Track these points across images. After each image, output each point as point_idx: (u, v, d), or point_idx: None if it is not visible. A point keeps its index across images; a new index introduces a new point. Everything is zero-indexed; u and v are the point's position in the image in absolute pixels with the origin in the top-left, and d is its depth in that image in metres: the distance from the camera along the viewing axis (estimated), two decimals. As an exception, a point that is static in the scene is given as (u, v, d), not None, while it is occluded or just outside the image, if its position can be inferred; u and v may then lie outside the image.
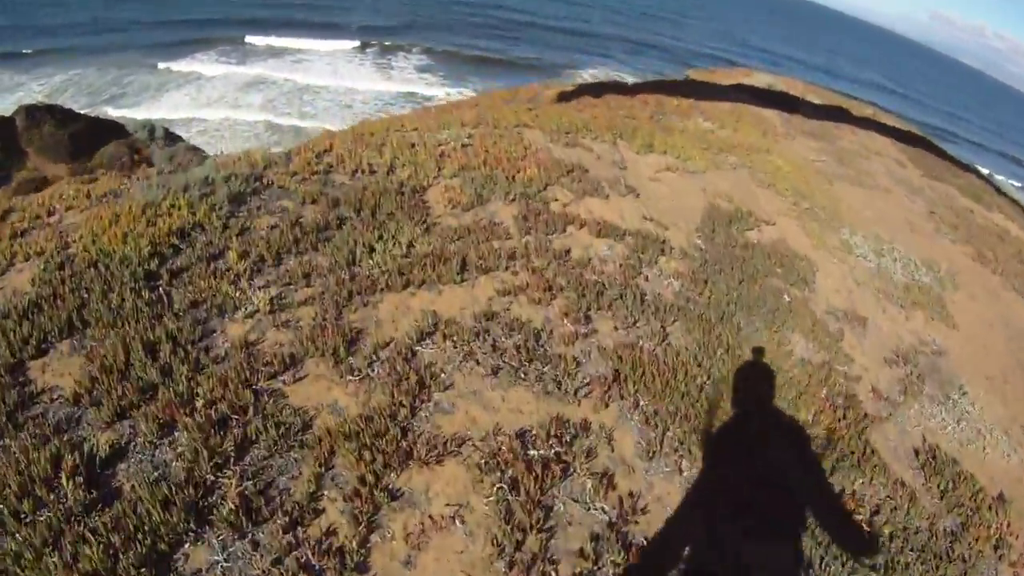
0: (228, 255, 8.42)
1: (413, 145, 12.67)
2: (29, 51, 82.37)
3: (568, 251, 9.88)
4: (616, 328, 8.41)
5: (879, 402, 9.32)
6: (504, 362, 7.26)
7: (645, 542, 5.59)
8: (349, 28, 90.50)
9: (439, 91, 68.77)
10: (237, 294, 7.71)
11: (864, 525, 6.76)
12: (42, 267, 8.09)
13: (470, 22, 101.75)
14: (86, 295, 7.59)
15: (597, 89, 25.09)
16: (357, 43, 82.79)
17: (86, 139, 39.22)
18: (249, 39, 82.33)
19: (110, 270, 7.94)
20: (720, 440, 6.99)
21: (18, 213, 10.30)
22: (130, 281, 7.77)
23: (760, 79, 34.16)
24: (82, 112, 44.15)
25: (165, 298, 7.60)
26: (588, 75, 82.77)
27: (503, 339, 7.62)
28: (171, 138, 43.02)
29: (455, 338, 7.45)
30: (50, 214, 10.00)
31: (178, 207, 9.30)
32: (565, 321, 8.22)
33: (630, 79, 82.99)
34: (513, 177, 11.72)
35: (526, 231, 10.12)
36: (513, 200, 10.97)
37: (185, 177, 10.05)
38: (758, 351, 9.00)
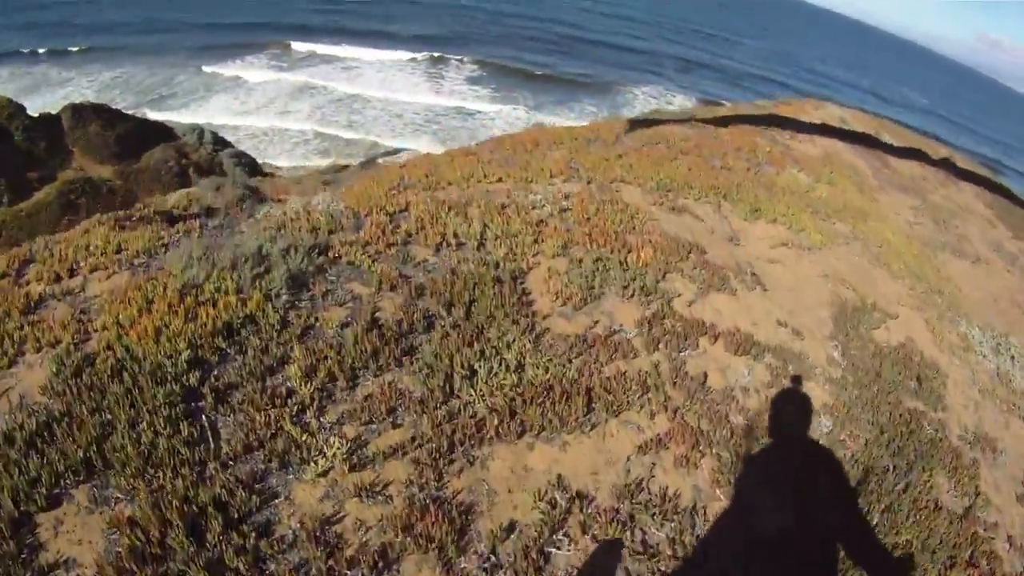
0: (289, 369, 6.49)
1: (503, 207, 10.71)
2: (79, 48, 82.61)
3: (705, 378, 7.87)
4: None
5: (1015, 555, 7.35)
6: (659, 571, 5.26)
7: None
8: (399, 37, 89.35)
9: (490, 107, 67.12)
10: (304, 437, 5.76)
11: None
12: (55, 368, 6.23)
13: (520, 35, 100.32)
14: (109, 418, 5.70)
15: (677, 122, 23.25)
16: (407, 53, 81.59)
17: (133, 141, 37.85)
18: (296, 45, 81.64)
19: (139, 384, 6.04)
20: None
21: (36, 267, 8.46)
22: (164, 404, 5.87)
23: (831, 113, 32.03)
24: (129, 113, 42.96)
25: (210, 434, 5.69)
26: (640, 93, 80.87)
27: (654, 530, 5.61)
28: (219, 143, 41.60)
29: (595, 529, 5.44)
30: (72, 274, 8.16)
31: (224, 291, 7.42)
32: (718, 492, 6.22)
33: (681, 99, 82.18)
34: (625, 260, 9.72)
35: (653, 345, 8.12)
36: (631, 295, 8.96)
37: (233, 250, 8.11)
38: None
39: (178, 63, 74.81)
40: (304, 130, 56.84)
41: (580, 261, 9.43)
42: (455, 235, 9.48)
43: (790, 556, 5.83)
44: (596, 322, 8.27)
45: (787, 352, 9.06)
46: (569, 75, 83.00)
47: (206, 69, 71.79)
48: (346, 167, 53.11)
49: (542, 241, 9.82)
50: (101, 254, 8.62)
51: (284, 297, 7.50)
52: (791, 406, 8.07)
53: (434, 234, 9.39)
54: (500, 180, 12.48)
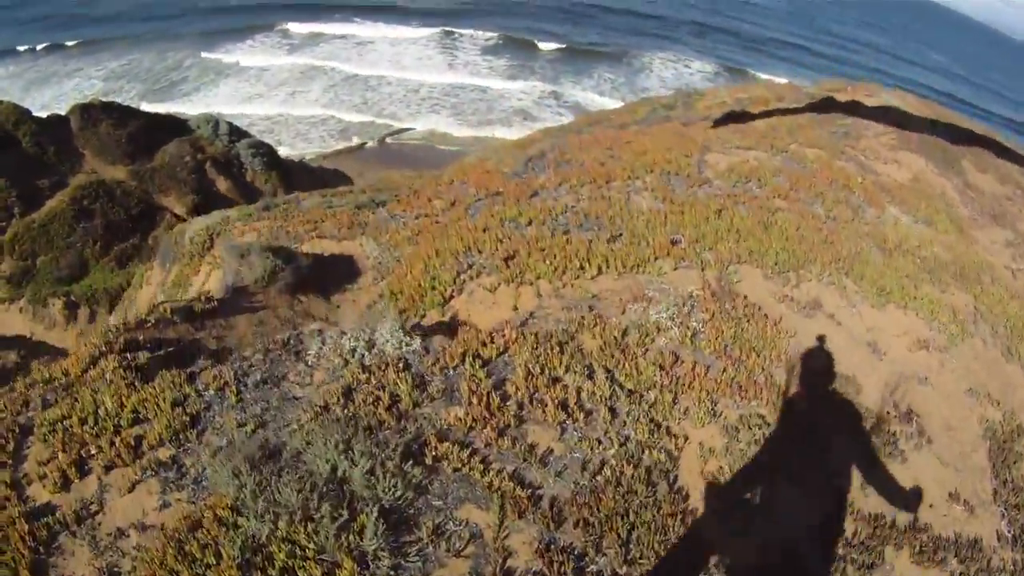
0: None
1: (623, 335, 8.55)
2: (80, 41, 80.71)
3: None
4: None
5: None
6: None
7: None
8: (407, 12, 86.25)
9: (506, 83, 64.41)
10: None
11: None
12: None
13: (532, 3, 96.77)
14: None
15: (737, 119, 20.97)
16: (417, 29, 78.86)
17: (145, 137, 35.47)
18: (294, 27, 79.10)
19: None
20: None
21: (36, 447, 6.68)
22: None
23: (887, 102, 29.39)
24: (139, 107, 40.45)
25: None
26: (657, 60, 77.91)
27: None
28: (235, 133, 39.11)
29: None
30: (82, 469, 6.35)
31: (301, 554, 5.29)
32: None
33: (699, 65, 78.89)
34: (783, 418, 7.58)
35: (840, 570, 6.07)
36: (798, 481, 6.84)
37: (300, 483, 5.86)
38: None
39: (179, 50, 72.83)
40: (316, 115, 54.41)
41: (736, 431, 7.27)
42: (578, 399, 7.31)
43: None
44: (766, 545, 6.15)
45: (965, 545, 7.03)
46: (583, 44, 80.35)
47: (206, 55, 69.47)
48: (363, 146, 50.98)
49: (682, 392, 7.68)
50: (114, 432, 6.69)
51: (385, 561, 5.34)
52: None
53: (552, 401, 7.20)
54: (600, 271, 10.32)
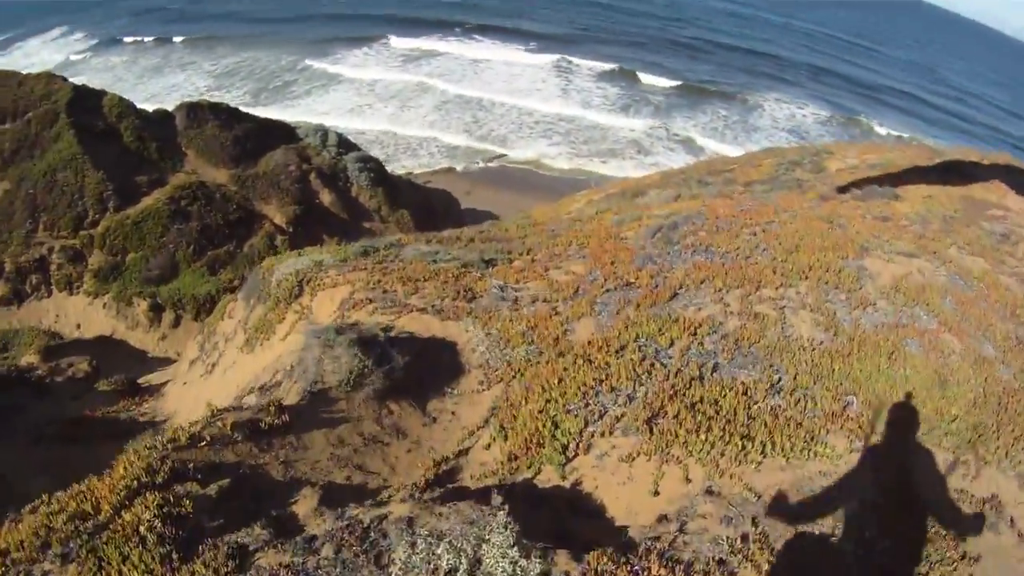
0: None
1: None
2: (195, 36, 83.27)
3: None
4: None
5: None
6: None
7: None
8: (524, 35, 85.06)
9: (618, 117, 62.06)
10: None
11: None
12: None
13: (645, 35, 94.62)
14: None
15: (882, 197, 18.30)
16: (532, 54, 77.33)
17: (252, 141, 34.35)
18: (411, 41, 78.79)
19: None
20: None
21: None
22: None
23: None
24: (247, 109, 39.53)
25: None
26: (771, 101, 74.98)
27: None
28: (344, 146, 37.82)
29: None
30: None
31: None
32: None
33: (813, 109, 75.14)
34: None
35: None
36: None
37: None
38: None
39: (288, 55, 73.53)
40: (424, 133, 53.17)
41: None
42: None
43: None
44: None
45: None
46: (698, 80, 77.63)
47: (313, 63, 69.59)
48: (471, 165, 49.39)
49: None
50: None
51: None
52: None
53: None
54: (763, 454, 8.16)
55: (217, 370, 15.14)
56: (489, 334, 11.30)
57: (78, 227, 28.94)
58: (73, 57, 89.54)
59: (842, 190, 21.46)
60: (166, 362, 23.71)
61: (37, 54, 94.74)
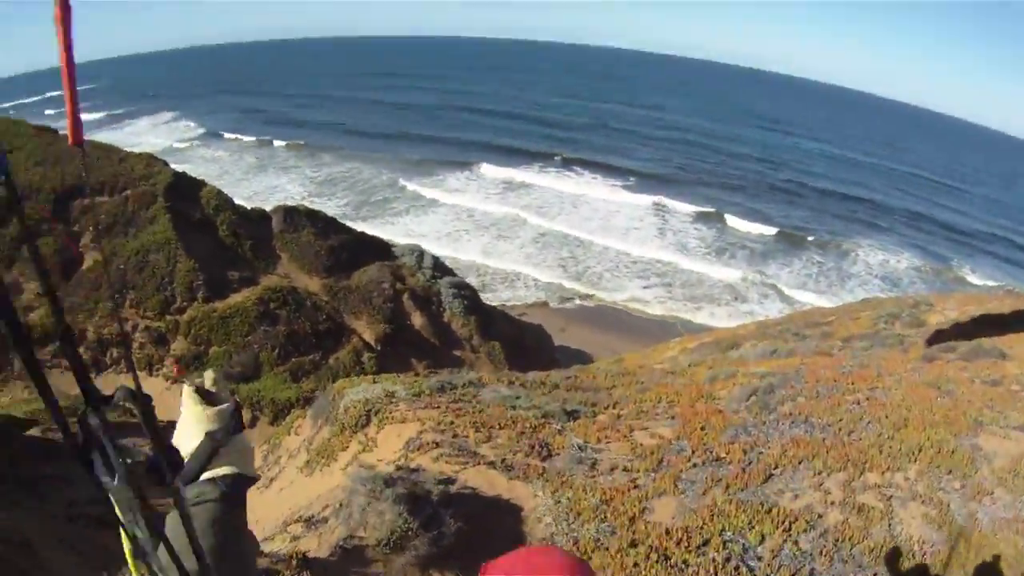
0: None
1: None
2: (301, 142, 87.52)
3: None
4: None
5: None
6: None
7: None
8: (618, 171, 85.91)
9: (715, 260, 61.27)
10: None
11: None
12: None
13: (741, 177, 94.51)
14: None
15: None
16: (629, 191, 77.63)
17: (347, 253, 34.66)
18: (489, 168, 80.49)
19: None
20: None
21: None
22: None
23: None
24: (344, 221, 40.38)
25: None
26: (865, 247, 73.42)
27: None
28: (439, 269, 37.84)
29: None
30: None
31: None
32: None
33: (908, 257, 72.31)
34: None
35: None
36: None
37: None
38: None
39: (386, 172, 75.71)
40: (518, 268, 53.25)
41: None
42: None
43: None
44: None
45: None
46: (793, 226, 76.63)
47: (408, 183, 71.53)
48: (565, 302, 48.88)
49: None
50: None
51: None
52: None
53: None
54: None
55: (275, 485, 14.72)
56: (559, 502, 10.25)
57: (164, 311, 29.31)
58: (177, 144, 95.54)
59: (946, 348, 20.07)
60: (236, 462, 23.25)
61: (144, 134, 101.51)
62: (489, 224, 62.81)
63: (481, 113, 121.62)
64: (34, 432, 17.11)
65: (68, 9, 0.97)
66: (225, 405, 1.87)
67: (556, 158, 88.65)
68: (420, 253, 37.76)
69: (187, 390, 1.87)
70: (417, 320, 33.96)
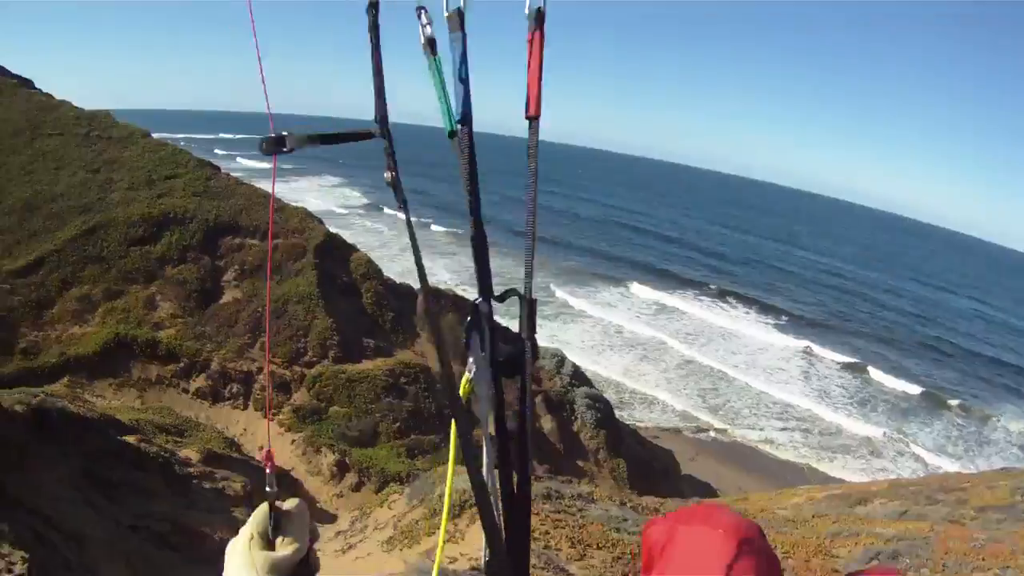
0: None
1: None
2: (462, 231, 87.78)
3: None
4: None
5: None
6: None
7: None
8: (770, 310, 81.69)
9: (856, 419, 56.44)
10: None
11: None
12: None
13: (891, 330, 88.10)
14: None
15: None
16: (778, 331, 73.64)
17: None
18: (661, 295, 78.13)
19: None
20: None
21: None
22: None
23: None
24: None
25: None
26: (1006, 414, 66.32)
27: None
28: (577, 378, 36.03)
29: None
30: None
31: None
32: None
33: None
34: None
35: None
36: None
37: None
38: None
39: (539, 275, 74.28)
40: (656, 393, 50.32)
41: None
42: None
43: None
44: None
45: None
46: (936, 386, 70.42)
47: (558, 291, 69.53)
48: (698, 432, 45.87)
49: None
50: None
51: None
52: None
53: None
54: None
55: (351, 553, 14.44)
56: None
57: (293, 361, 29.01)
58: (338, 209, 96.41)
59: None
60: (328, 518, 22.49)
61: (305, 192, 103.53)
62: (634, 344, 60.57)
63: (641, 232, 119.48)
64: (130, 439, 16.67)
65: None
66: (287, 553, 1.34)
67: (710, 288, 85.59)
68: (561, 359, 36.13)
69: (244, 534, 1.34)
70: (546, 424, 32.36)
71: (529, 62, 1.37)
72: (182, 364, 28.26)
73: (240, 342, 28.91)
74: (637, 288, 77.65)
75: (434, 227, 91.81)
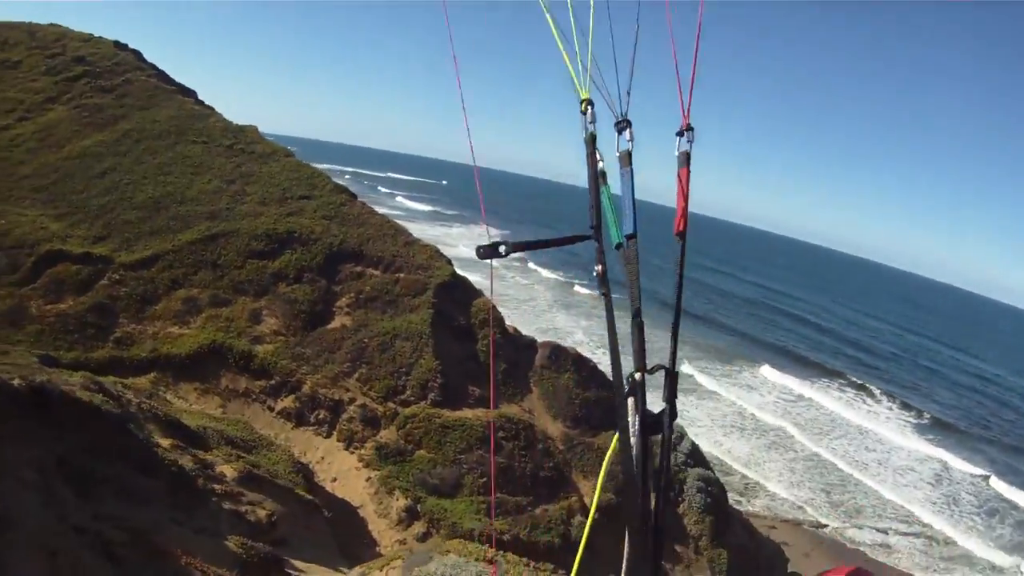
0: None
1: None
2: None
3: None
4: None
5: None
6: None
7: None
8: (909, 408, 73.03)
9: (978, 535, 48.83)
10: None
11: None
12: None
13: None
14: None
15: None
16: (916, 435, 65.37)
17: (601, 411, 29.36)
18: (792, 380, 70.65)
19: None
20: None
21: None
22: None
23: None
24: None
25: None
26: None
27: None
28: (693, 457, 31.49)
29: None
30: None
31: None
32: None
33: None
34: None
35: None
36: None
37: None
38: None
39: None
40: (775, 486, 45.00)
41: None
42: None
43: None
44: None
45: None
46: None
47: (690, 368, 64.23)
48: (818, 528, 40.77)
49: None
50: None
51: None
52: None
53: None
54: None
55: None
56: None
57: (388, 396, 26.44)
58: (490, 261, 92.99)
59: None
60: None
61: (455, 239, 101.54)
62: (764, 430, 54.70)
63: (790, 317, 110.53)
64: (163, 442, 14.74)
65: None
66: None
67: (851, 381, 77.78)
68: (681, 436, 31.61)
69: None
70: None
71: (678, 193, 1.94)
72: (273, 381, 26.22)
73: (337, 369, 26.57)
74: (774, 374, 70.74)
75: (577, 287, 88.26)
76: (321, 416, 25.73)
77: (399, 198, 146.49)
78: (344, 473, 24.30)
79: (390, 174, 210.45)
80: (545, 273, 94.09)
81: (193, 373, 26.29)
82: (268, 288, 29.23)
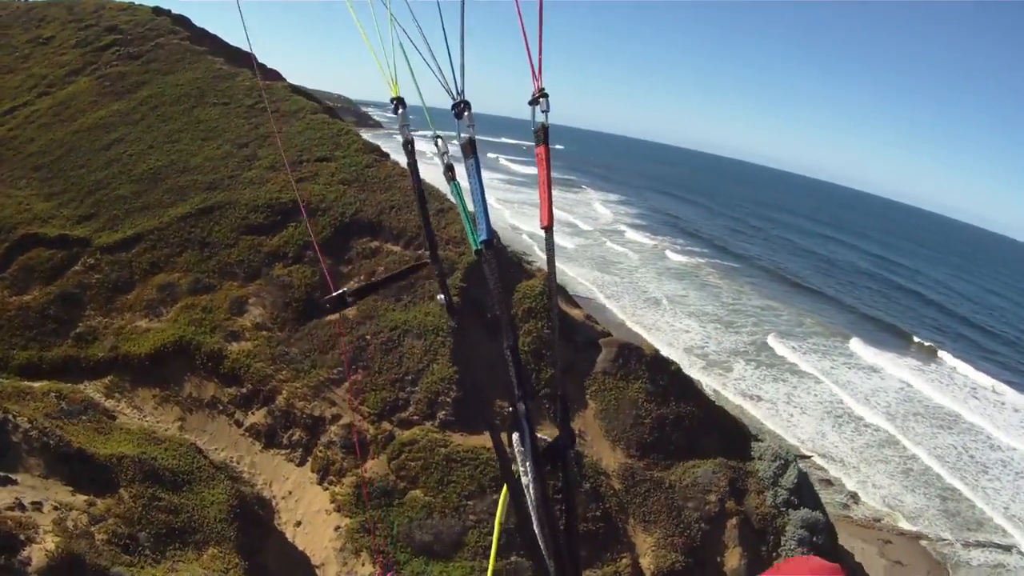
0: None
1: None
2: (733, 267, 72.38)
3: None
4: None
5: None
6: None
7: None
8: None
9: None
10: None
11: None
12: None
13: None
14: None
15: None
16: None
17: (680, 432, 20.79)
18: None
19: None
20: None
21: None
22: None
23: None
24: (702, 390, 26.94)
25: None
26: None
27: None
28: (799, 494, 22.30)
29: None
30: None
31: None
32: None
33: None
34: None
35: None
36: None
37: None
38: None
39: (801, 322, 59.05)
40: (886, 510, 34.72)
41: None
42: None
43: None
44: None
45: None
46: None
47: (775, 342, 53.09)
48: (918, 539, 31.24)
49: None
50: None
51: None
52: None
53: None
54: None
55: None
56: None
57: (384, 413, 19.32)
58: (585, 226, 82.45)
59: None
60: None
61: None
62: (866, 425, 43.20)
63: (908, 293, 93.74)
64: None
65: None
66: None
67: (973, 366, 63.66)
68: (784, 464, 22.12)
69: None
70: (732, 560, 19.63)
71: (540, 180, 1.68)
72: (244, 389, 19.77)
73: (323, 376, 19.73)
74: (858, 346, 58.52)
75: (670, 254, 76.34)
76: (296, 437, 19.09)
77: (503, 160, 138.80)
78: (311, 517, 17.56)
79: (503, 139, 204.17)
80: (646, 241, 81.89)
81: (154, 377, 20.51)
82: (260, 270, 22.86)
